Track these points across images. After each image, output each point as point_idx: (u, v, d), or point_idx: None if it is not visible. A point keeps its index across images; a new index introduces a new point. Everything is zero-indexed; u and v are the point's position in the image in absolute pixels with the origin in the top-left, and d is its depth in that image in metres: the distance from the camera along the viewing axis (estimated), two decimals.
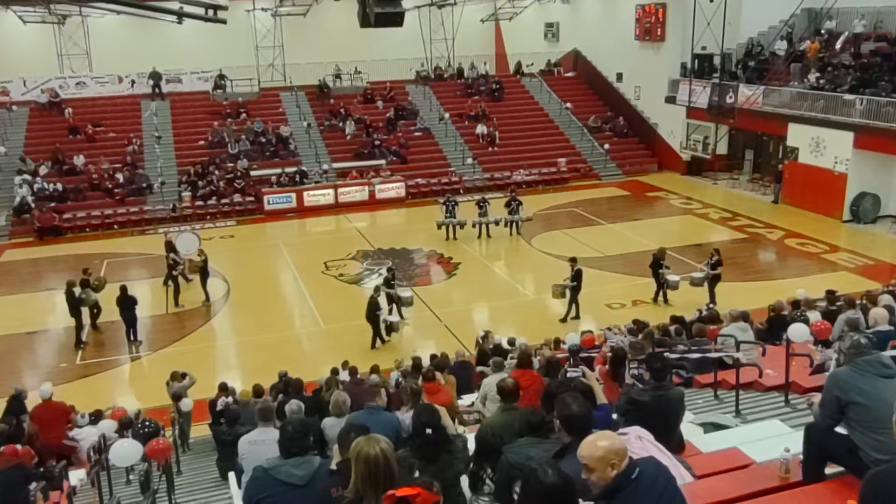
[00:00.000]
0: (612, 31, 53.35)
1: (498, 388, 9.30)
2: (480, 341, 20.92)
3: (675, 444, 8.97)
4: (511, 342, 20.74)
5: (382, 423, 8.76)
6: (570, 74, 59.23)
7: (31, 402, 18.00)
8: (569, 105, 53.93)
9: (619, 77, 54.63)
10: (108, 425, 17.31)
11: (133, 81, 50.54)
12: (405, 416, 9.71)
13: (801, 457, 7.59)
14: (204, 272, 30.05)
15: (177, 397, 19.01)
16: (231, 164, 45.14)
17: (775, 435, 9.85)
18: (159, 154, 45.62)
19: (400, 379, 17.60)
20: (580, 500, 5.17)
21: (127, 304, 26.19)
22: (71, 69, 51.40)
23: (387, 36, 40.27)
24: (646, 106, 51.99)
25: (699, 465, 8.24)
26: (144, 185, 43.36)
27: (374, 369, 19.25)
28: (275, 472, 6.96)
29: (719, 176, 46.96)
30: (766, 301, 21.43)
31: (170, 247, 31.57)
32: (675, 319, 20.65)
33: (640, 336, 16.29)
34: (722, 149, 46.56)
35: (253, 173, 44.82)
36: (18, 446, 14.10)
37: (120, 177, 43.35)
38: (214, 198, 42.94)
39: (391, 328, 26.07)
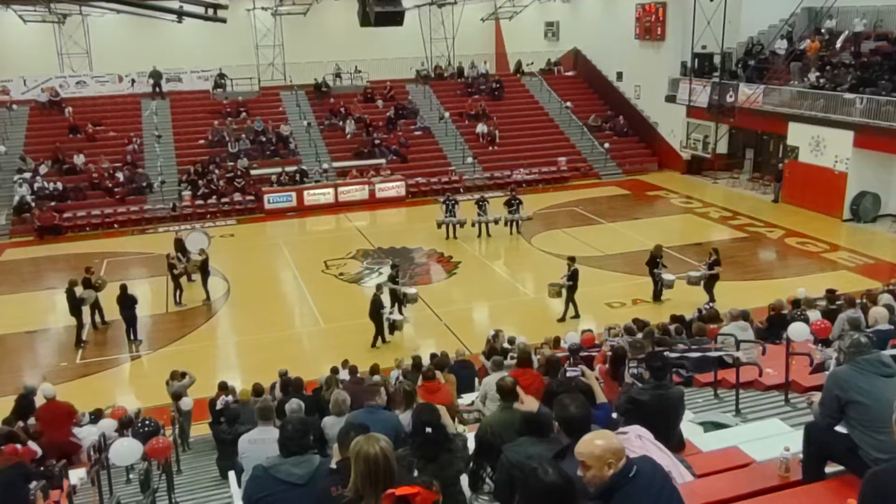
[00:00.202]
0: (612, 30, 53.33)
1: (497, 387, 9.29)
2: (491, 340, 20.90)
3: (675, 443, 8.98)
4: (511, 341, 20.74)
5: (382, 422, 8.77)
6: (570, 73, 59.21)
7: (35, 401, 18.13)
8: (569, 104, 53.89)
9: (620, 76, 54.62)
10: (108, 424, 17.31)
11: (133, 80, 50.52)
12: (402, 415, 9.73)
13: (801, 456, 7.59)
14: (204, 271, 30.06)
15: (177, 396, 19.02)
16: (231, 164, 45.14)
17: (775, 434, 9.86)
18: (159, 153, 45.62)
19: (400, 378, 17.60)
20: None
21: (127, 303, 26.19)
22: (71, 68, 51.41)
23: (387, 35, 40.42)
24: (646, 105, 51.98)
25: (699, 464, 8.25)
26: (144, 184, 43.35)
27: (374, 369, 19.25)
28: (275, 471, 6.96)
29: (719, 175, 46.96)
30: (766, 300, 21.43)
31: (179, 245, 31.61)
32: (676, 318, 20.65)
33: (641, 335, 16.27)
34: (722, 148, 46.55)
35: (253, 172, 44.82)
36: (19, 445, 14.14)
37: (120, 176, 43.35)
38: (214, 197, 42.93)
39: (394, 326, 26.07)
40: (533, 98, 55.59)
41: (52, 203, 40.88)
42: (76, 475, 15.01)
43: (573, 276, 26.74)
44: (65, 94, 48.80)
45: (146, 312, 28.04)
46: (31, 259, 35.81)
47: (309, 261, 34.13)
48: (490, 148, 49.74)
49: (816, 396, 7.74)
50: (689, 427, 10.30)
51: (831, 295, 20.56)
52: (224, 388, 18.91)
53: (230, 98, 50.26)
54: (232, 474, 10.31)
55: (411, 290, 27.85)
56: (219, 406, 17.51)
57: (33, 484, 12.19)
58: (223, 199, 42.90)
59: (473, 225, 36.73)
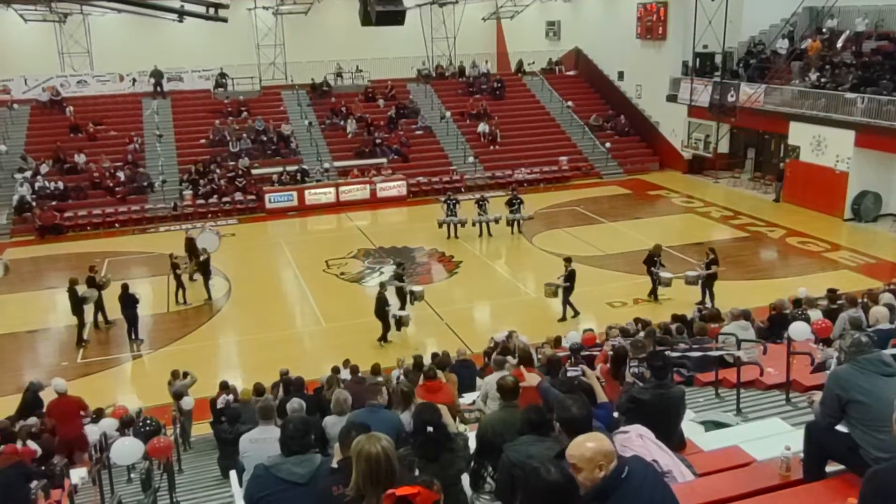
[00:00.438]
0: (613, 29, 53.33)
1: (497, 386, 9.30)
2: (505, 340, 20.84)
3: (676, 442, 8.99)
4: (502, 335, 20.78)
5: (383, 422, 8.79)
6: (571, 73, 59.18)
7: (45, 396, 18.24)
8: (570, 104, 53.87)
9: (621, 75, 54.60)
10: (109, 424, 17.32)
11: (134, 80, 50.54)
12: (403, 415, 9.74)
13: (801, 455, 7.60)
14: (206, 271, 30.07)
15: (178, 396, 19.05)
16: (232, 163, 45.13)
17: (776, 433, 9.87)
18: (160, 152, 45.62)
19: (401, 377, 17.61)
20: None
21: (128, 302, 26.20)
22: (72, 67, 51.38)
23: (388, 34, 40.43)
24: (647, 104, 51.96)
25: (700, 464, 8.26)
26: (145, 183, 43.35)
27: (376, 368, 19.25)
28: (276, 471, 6.97)
29: (721, 174, 46.94)
30: (767, 299, 21.45)
31: (190, 244, 31.63)
32: (677, 318, 20.66)
33: (642, 334, 16.28)
34: (723, 147, 46.52)
35: (254, 172, 44.82)
36: (19, 444, 14.15)
37: (121, 175, 43.36)
38: (215, 196, 42.90)
39: (401, 322, 26.10)
40: (534, 97, 55.59)
41: (53, 202, 40.88)
42: (77, 474, 15.04)
43: (570, 277, 26.75)
44: (66, 94, 48.81)
45: (147, 312, 28.02)
46: (32, 258, 35.80)
47: (310, 260, 34.14)
48: (491, 147, 49.72)
49: (817, 396, 7.75)
50: (690, 426, 10.31)
51: (832, 294, 20.55)
52: (225, 387, 18.93)
53: (231, 97, 50.23)
54: (233, 473, 10.31)
55: (418, 288, 27.92)
56: (220, 405, 17.53)
57: (34, 483, 12.21)
58: (224, 199, 42.88)
59: (474, 224, 36.72)
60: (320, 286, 31.20)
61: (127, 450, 12.22)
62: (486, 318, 28.42)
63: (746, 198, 42.63)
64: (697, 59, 45.56)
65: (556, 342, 21.14)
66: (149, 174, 44.04)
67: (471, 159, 48.18)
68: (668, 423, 8.88)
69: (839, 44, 41.52)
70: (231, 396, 18.07)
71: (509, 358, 14.53)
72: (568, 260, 27.34)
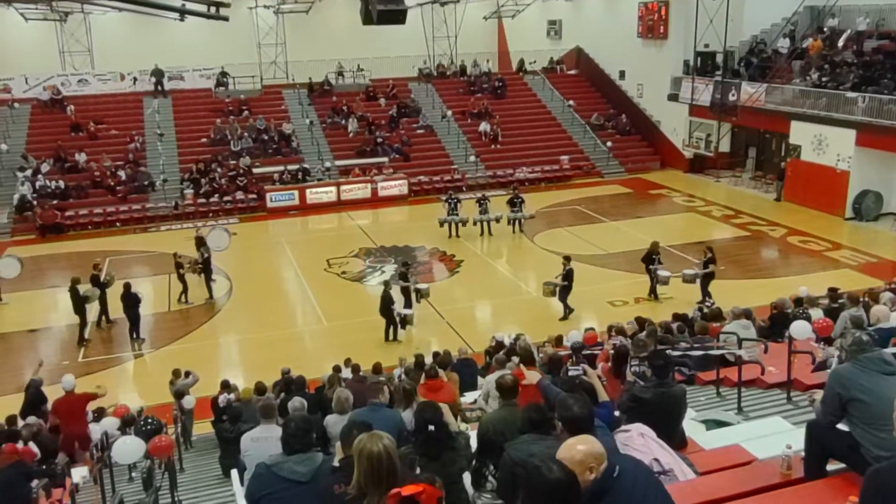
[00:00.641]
0: (614, 28, 53.35)
1: (497, 385, 9.31)
2: (513, 342, 20.82)
3: (678, 441, 9.00)
4: (511, 337, 20.78)
5: (385, 420, 8.79)
6: (572, 72, 59.19)
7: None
8: (571, 103, 53.91)
9: (622, 75, 54.60)
10: (110, 423, 17.32)
11: (135, 79, 50.55)
12: (404, 414, 9.74)
13: (802, 454, 7.61)
14: (207, 270, 30.07)
15: (179, 395, 19.06)
16: (233, 162, 45.14)
17: (777, 432, 9.89)
18: (161, 151, 45.66)
19: (403, 376, 17.62)
20: None
21: (130, 301, 26.21)
22: (73, 66, 51.35)
23: (389, 33, 40.34)
24: (648, 103, 51.97)
25: (701, 462, 8.27)
26: (146, 182, 43.36)
27: (377, 367, 19.25)
28: (277, 469, 6.98)
29: (722, 173, 46.96)
30: (768, 298, 21.48)
31: (200, 242, 31.64)
32: (678, 317, 20.65)
33: (643, 334, 16.28)
34: (724, 146, 46.59)
35: (255, 171, 44.85)
36: (20, 444, 14.17)
37: (122, 174, 43.36)
38: (217, 195, 42.91)
39: (405, 321, 26.14)
40: (535, 96, 55.59)
41: (54, 201, 40.89)
42: (78, 473, 15.04)
43: (568, 276, 26.74)
44: (66, 93, 48.82)
45: (148, 311, 27.98)
46: (33, 258, 35.65)
47: (311, 259, 34.16)
48: (492, 146, 49.74)
49: (818, 394, 7.78)
50: (691, 425, 10.34)
51: (833, 293, 20.56)
52: (226, 386, 18.93)
53: (232, 96, 50.30)
54: (234, 472, 10.32)
55: (423, 286, 28.01)
56: (221, 404, 17.54)
57: (35, 483, 12.22)
58: (225, 198, 42.88)
59: (475, 223, 36.72)
60: (321, 285, 31.21)
61: (128, 449, 12.22)
62: (487, 317, 28.44)
63: (747, 197, 42.63)
64: (699, 59, 45.57)
65: (558, 341, 21.13)
66: (150, 173, 44.07)
67: (472, 158, 48.18)
68: (669, 422, 8.89)
69: (840, 43, 41.53)
70: (232, 395, 18.08)
71: (514, 358, 14.55)
72: (567, 258, 27.34)
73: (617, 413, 9.07)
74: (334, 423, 10.30)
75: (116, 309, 27.04)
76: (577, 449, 5.22)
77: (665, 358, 9.73)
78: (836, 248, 33.36)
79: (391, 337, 25.70)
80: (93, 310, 27.36)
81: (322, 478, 6.70)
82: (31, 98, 48.34)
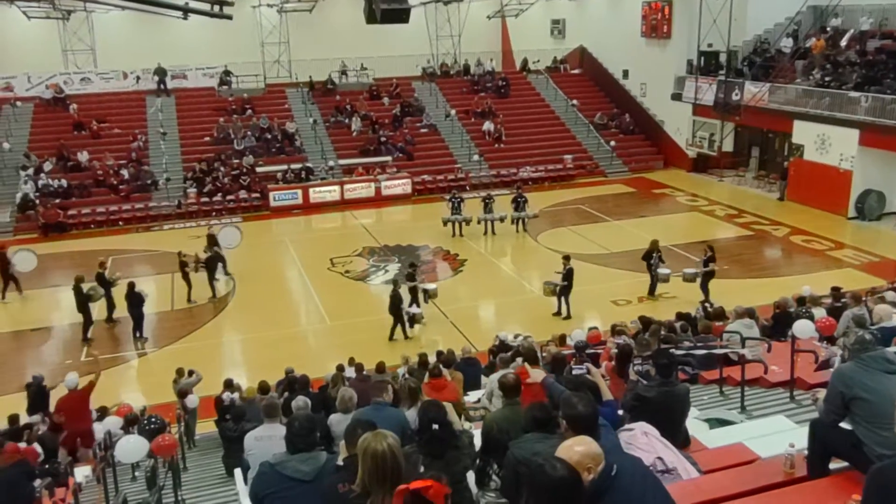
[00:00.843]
0: (618, 27, 53.36)
1: (499, 384, 9.31)
2: (523, 341, 20.84)
3: (681, 439, 9.00)
4: (517, 338, 20.78)
5: (388, 419, 8.77)
6: (576, 71, 59.21)
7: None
8: (575, 102, 53.96)
9: (626, 74, 54.61)
10: (113, 422, 17.36)
11: (138, 77, 50.56)
12: (408, 412, 9.74)
13: (805, 452, 7.61)
14: (210, 269, 30.07)
15: (183, 394, 19.09)
16: (236, 161, 45.14)
17: (780, 431, 9.88)
18: (164, 150, 45.69)
19: (406, 375, 17.62)
20: None
21: (134, 300, 26.25)
22: (75, 65, 51.31)
23: (393, 32, 40.29)
24: (652, 103, 51.97)
25: (704, 461, 8.27)
26: (149, 181, 43.39)
27: (380, 366, 19.26)
28: (281, 468, 6.98)
29: (725, 173, 46.95)
30: (771, 298, 21.49)
31: (212, 240, 31.71)
32: (681, 316, 20.66)
33: (647, 333, 16.28)
34: (728, 146, 46.63)
35: (258, 170, 44.88)
36: (23, 444, 14.19)
37: (125, 173, 43.39)
38: (220, 194, 42.94)
39: (414, 319, 26.19)
40: (539, 96, 55.59)
41: (57, 200, 40.94)
42: (82, 473, 15.05)
43: (568, 276, 26.75)
44: (69, 91, 48.85)
45: (151, 310, 28.00)
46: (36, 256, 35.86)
47: (315, 258, 34.19)
48: (496, 145, 49.76)
49: (821, 393, 7.79)
50: (694, 424, 10.34)
51: (836, 292, 20.56)
52: (230, 385, 18.95)
53: (236, 95, 50.37)
54: (238, 471, 10.34)
55: (431, 286, 28.01)
56: (225, 403, 17.55)
57: (37, 482, 12.23)
58: (228, 197, 42.91)
59: (479, 222, 36.75)
60: (325, 284, 31.23)
61: (131, 448, 12.25)
62: (490, 316, 28.44)
63: (751, 196, 42.64)
64: (702, 58, 45.62)
65: (561, 340, 21.12)
66: (153, 172, 44.10)
67: (476, 157, 48.19)
68: (672, 421, 8.89)
69: (843, 42, 41.53)
70: (236, 394, 18.09)
71: (519, 359, 14.55)
72: (567, 258, 27.35)
73: (620, 412, 9.08)
74: (338, 422, 10.31)
75: (121, 308, 27.06)
76: (575, 450, 5.23)
77: (669, 357, 9.73)
78: (838, 247, 33.37)
79: (399, 335, 25.72)
80: (99, 308, 27.36)
81: (326, 477, 6.70)
82: (33, 96, 48.38)
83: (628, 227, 37.05)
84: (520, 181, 44.09)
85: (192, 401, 18.97)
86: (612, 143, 50.38)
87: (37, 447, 14.70)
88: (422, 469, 6.76)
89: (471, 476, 7.90)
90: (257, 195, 43.37)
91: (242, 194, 43.25)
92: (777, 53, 44.31)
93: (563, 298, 27.01)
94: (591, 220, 39.11)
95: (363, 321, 26.91)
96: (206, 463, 16.64)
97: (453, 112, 51.69)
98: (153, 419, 17.21)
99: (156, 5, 32.42)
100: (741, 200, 41.55)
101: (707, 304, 24.87)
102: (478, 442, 8.38)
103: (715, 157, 46.79)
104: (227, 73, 51.14)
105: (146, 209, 41.92)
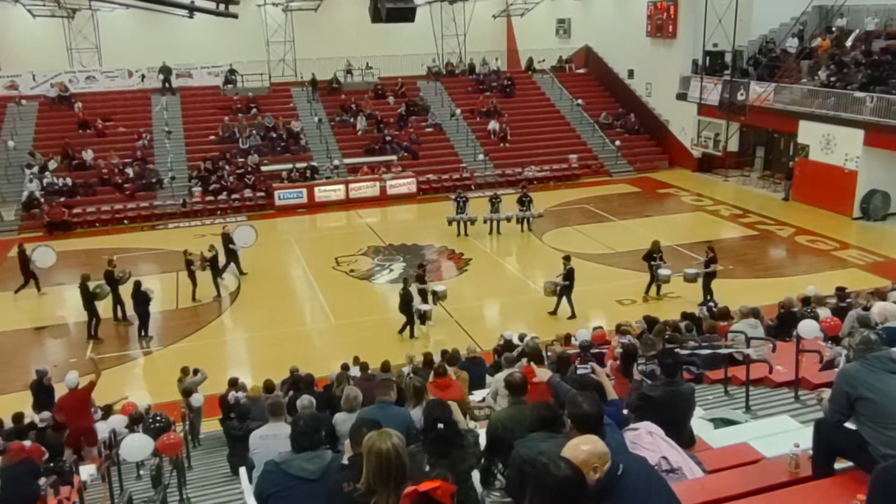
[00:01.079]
0: (623, 27, 53.35)
1: (506, 383, 9.31)
2: (529, 341, 20.86)
3: (686, 439, 9.02)
4: (522, 338, 20.78)
5: (393, 418, 8.78)
6: (581, 71, 59.19)
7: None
8: (580, 101, 53.93)
9: (631, 74, 54.59)
10: (118, 420, 17.38)
11: (143, 76, 50.58)
12: (413, 411, 9.75)
13: (810, 452, 7.61)
14: (214, 267, 30.07)
15: (187, 392, 19.09)
16: (241, 160, 45.16)
17: (785, 430, 9.89)
18: (169, 149, 45.72)
19: (410, 374, 17.63)
20: None
21: (140, 299, 26.28)
22: (80, 63, 51.40)
23: (398, 31, 40.34)
24: (657, 103, 51.96)
25: (709, 461, 8.28)
26: (154, 180, 43.43)
27: (385, 365, 19.27)
28: (286, 467, 6.98)
29: (730, 173, 46.91)
30: (776, 298, 21.44)
31: (227, 239, 31.79)
32: (686, 316, 20.67)
33: (652, 333, 16.28)
34: (733, 146, 46.56)
35: (263, 168, 44.91)
36: (27, 442, 14.22)
37: (130, 172, 43.42)
38: (225, 193, 42.97)
39: (425, 316, 26.23)
40: (544, 95, 55.60)
41: (62, 198, 40.99)
42: (87, 471, 15.08)
43: (569, 275, 26.74)
44: (74, 90, 48.87)
45: (156, 308, 27.96)
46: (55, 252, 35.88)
47: (319, 257, 34.20)
48: (501, 145, 49.76)
49: (826, 393, 7.79)
50: (699, 423, 10.36)
51: (841, 292, 20.55)
52: (235, 384, 18.94)
53: (241, 94, 50.41)
54: (243, 470, 10.35)
55: (441, 288, 27.98)
56: (230, 402, 17.56)
57: (42, 480, 12.25)
58: (233, 196, 42.94)
59: (485, 222, 36.75)
60: (330, 283, 31.24)
61: (136, 446, 12.26)
62: (495, 315, 28.46)
63: (756, 196, 42.63)
64: (707, 58, 45.57)
65: (566, 339, 21.14)
66: (157, 171, 44.13)
67: (481, 157, 48.23)
68: (677, 420, 8.91)
69: (849, 43, 41.49)
70: (241, 393, 18.10)
71: (523, 359, 14.56)
72: (567, 258, 27.35)
73: (625, 411, 9.09)
74: (343, 421, 10.31)
75: (127, 306, 27.12)
76: (581, 449, 5.23)
77: (674, 357, 9.75)
78: (843, 247, 33.35)
79: (411, 334, 25.78)
80: (105, 307, 27.36)
81: (331, 475, 6.70)
82: (38, 95, 48.39)
83: (633, 227, 37.02)
84: (525, 181, 44.13)
85: (197, 399, 18.98)
86: (617, 142, 50.37)
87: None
88: (427, 468, 6.77)
89: (476, 475, 7.91)
90: (262, 194, 43.40)
91: (247, 193, 43.27)
92: (782, 53, 44.25)
93: (564, 298, 27.02)
94: (595, 219, 39.09)
95: (368, 320, 26.94)
96: (211, 462, 16.66)
97: (458, 111, 51.70)
98: (158, 418, 17.21)
99: (161, 4, 32.45)
100: (746, 200, 41.54)
101: (710, 304, 24.89)
102: (483, 441, 8.40)
103: (720, 157, 46.69)
104: (232, 71, 51.19)
105: (151, 208, 41.93)
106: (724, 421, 11.53)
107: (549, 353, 17.28)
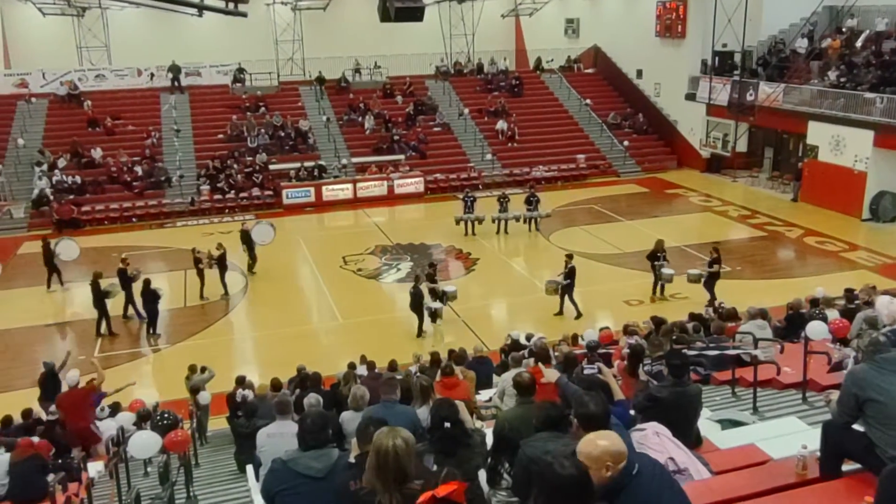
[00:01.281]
0: (632, 27, 53.32)
1: (514, 383, 9.30)
2: (536, 341, 20.84)
3: (693, 440, 9.00)
4: (529, 338, 20.75)
5: (399, 417, 8.78)
6: (590, 71, 59.16)
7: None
8: (588, 101, 53.90)
9: (640, 74, 54.55)
10: (126, 417, 17.39)
11: (152, 74, 50.68)
12: (420, 410, 9.74)
13: (818, 454, 7.59)
14: (222, 266, 30.08)
15: (195, 390, 19.12)
16: (250, 158, 45.22)
17: (793, 432, 9.85)
18: (178, 147, 45.78)
19: (417, 374, 17.62)
20: None
21: (149, 297, 26.34)
22: (90, 62, 51.52)
23: (407, 31, 40.31)
24: (666, 103, 51.91)
25: (716, 462, 8.26)
26: (163, 178, 43.49)
27: (392, 364, 19.27)
28: (293, 465, 6.98)
29: (739, 173, 46.85)
30: (784, 299, 21.37)
31: (245, 236, 31.95)
32: (694, 316, 20.64)
33: (659, 333, 16.28)
34: (742, 146, 46.46)
35: (272, 167, 44.93)
36: (35, 438, 14.23)
37: (138, 170, 43.51)
38: (233, 191, 43.04)
39: (436, 314, 26.22)
40: (552, 95, 55.55)
41: (71, 196, 41.10)
42: (95, 468, 15.06)
43: (570, 274, 26.71)
44: (84, 88, 48.98)
45: (164, 306, 28.00)
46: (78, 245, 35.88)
47: (327, 256, 34.23)
48: (509, 145, 49.76)
49: (834, 395, 7.77)
50: (706, 424, 10.32)
51: (850, 294, 20.50)
52: (242, 382, 18.95)
53: (249, 93, 50.48)
54: (250, 468, 10.36)
55: (451, 288, 27.94)
56: (237, 400, 17.57)
57: (51, 476, 12.27)
58: (241, 194, 43.02)
59: (493, 221, 36.75)
60: (337, 282, 31.27)
61: (144, 443, 12.28)
62: (502, 315, 28.43)
63: (764, 197, 42.54)
64: (717, 58, 45.60)
65: (574, 339, 21.11)
66: (166, 169, 44.19)
67: (489, 156, 48.22)
68: (684, 421, 8.89)
69: (858, 43, 41.42)
70: (248, 391, 18.10)
71: (531, 359, 14.55)
72: (569, 256, 27.34)
73: (632, 412, 9.08)
74: (350, 419, 10.31)
75: (138, 304, 27.20)
76: (597, 444, 5.23)
77: (682, 357, 9.72)
78: (852, 248, 33.26)
79: (419, 332, 25.80)
80: (114, 305, 27.39)
81: (338, 473, 6.70)
82: (48, 93, 48.52)
83: (641, 228, 36.94)
84: (532, 180, 44.16)
85: (204, 397, 19.00)
86: (626, 142, 50.32)
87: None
88: (434, 467, 6.77)
89: (482, 475, 7.90)
90: (270, 193, 43.44)
91: (255, 192, 43.36)
92: (792, 54, 44.19)
93: (566, 297, 27.00)
94: (603, 219, 39.07)
95: (375, 319, 26.96)
96: (219, 459, 16.69)
97: (466, 111, 51.67)
98: (166, 415, 17.22)
99: (171, 2, 32.45)
100: (755, 201, 41.45)
101: (715, 305, 24.82)
102: (489, 441, 8.39)
103: (728, 157, 46.66)
104: (240, 70, 51.24)
105: (160, 206, 42.00)
106: (732, 422, 11.48)
107: (556, 353, 17.26)
